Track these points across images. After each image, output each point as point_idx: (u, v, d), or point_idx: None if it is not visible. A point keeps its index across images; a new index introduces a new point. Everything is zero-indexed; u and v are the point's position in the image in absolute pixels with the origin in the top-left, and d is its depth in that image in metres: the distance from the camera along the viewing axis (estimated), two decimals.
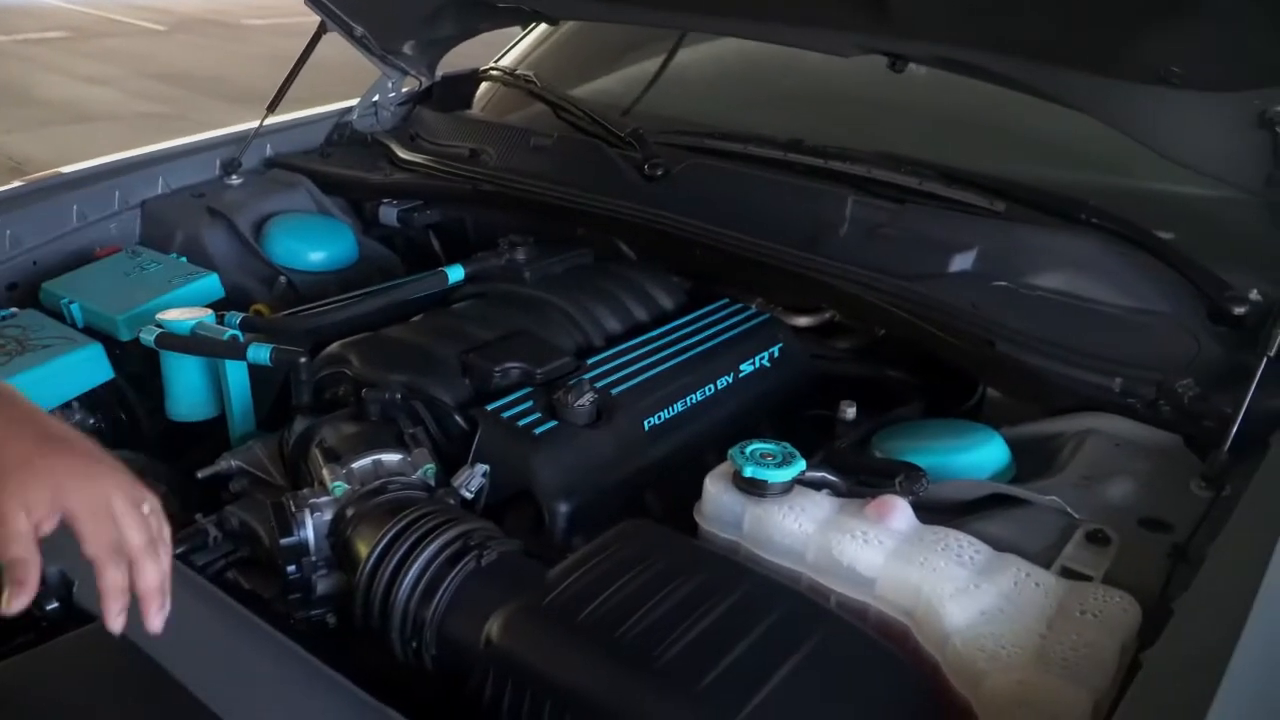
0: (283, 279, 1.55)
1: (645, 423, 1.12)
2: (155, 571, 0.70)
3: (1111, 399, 1.06)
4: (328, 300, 1.34)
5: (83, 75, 7.71)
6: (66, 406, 1.28)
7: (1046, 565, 0.84)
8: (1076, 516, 0.91)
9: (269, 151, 1.89)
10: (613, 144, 1.62)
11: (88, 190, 1.66)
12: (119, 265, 1.51)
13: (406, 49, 1.95)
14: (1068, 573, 0.84)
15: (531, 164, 1.65)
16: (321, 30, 1.84)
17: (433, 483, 1.00)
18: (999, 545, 0.85)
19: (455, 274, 1.41)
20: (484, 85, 2.08)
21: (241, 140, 1.83)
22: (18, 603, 0.65)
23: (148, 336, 1.22)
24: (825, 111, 1.79)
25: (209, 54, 8.72)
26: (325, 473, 0.98)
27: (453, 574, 0.84)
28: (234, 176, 1.76)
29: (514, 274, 1.41)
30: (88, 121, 6.38)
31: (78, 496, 0.68)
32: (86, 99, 6.98)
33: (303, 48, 1.81)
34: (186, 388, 1.28)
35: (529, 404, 1.08)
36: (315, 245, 1.61)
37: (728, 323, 1.31)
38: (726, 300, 1.38)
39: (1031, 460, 1.04)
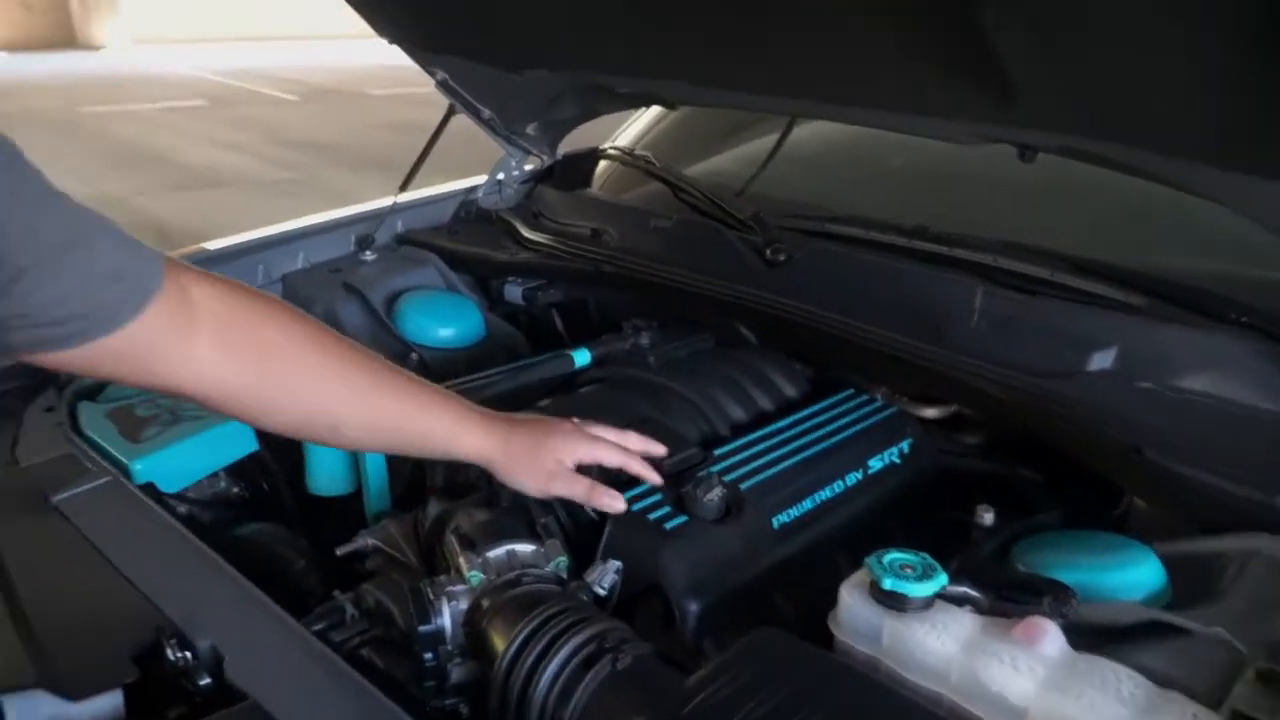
0: (414, 355, 1.60)
1: (774, 520, 1.10)
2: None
3: (1275, 518, 1.00)
4: (459, 381, 1.38)
5: (219, 142, 8.29)
6: (213, 476, 1.36)
7: (1214, 706, 0.78)
8: (1244, 651, 0.85)
9: (400, 228, 1.98)
10: (732, 226, 1.63)
11: (233, 265, 1.77)
12: None
13: (530, 130, 2.03)
14: (1238, 717, 0.78)
15: (651, 245, 1.67)
16: (451, 113, 1.94)
17: (565, 575, 1.02)
18: (1159, 680, 0.79)
19: (581, 357, 1.44)
20: (603, 163, 2.14)
21: (375, 217, 1.93)
22: (619, 504, 1.05)
23: None
24: (939, 191, 1.76)
25: (336, 123, 9.28)
26: (461, 561, 1.00)
27: (587, 678, 0.84)
28: (368, 252, 1.85)
29: (638, 359, 1.43)
30: (221, 186, 6.84)
31: (587, 443, 1.07)
32: (221, 164, 7.50)
33: (422, 116, 1.93)
34: (325, 463, 1.34)
35: (658, 496, 1.09)
36: (445, 322, 1.66)
37: (855, 415, 1.29)
38: (851, 390, 1.37)
39: (1186, 582, 0.98)
